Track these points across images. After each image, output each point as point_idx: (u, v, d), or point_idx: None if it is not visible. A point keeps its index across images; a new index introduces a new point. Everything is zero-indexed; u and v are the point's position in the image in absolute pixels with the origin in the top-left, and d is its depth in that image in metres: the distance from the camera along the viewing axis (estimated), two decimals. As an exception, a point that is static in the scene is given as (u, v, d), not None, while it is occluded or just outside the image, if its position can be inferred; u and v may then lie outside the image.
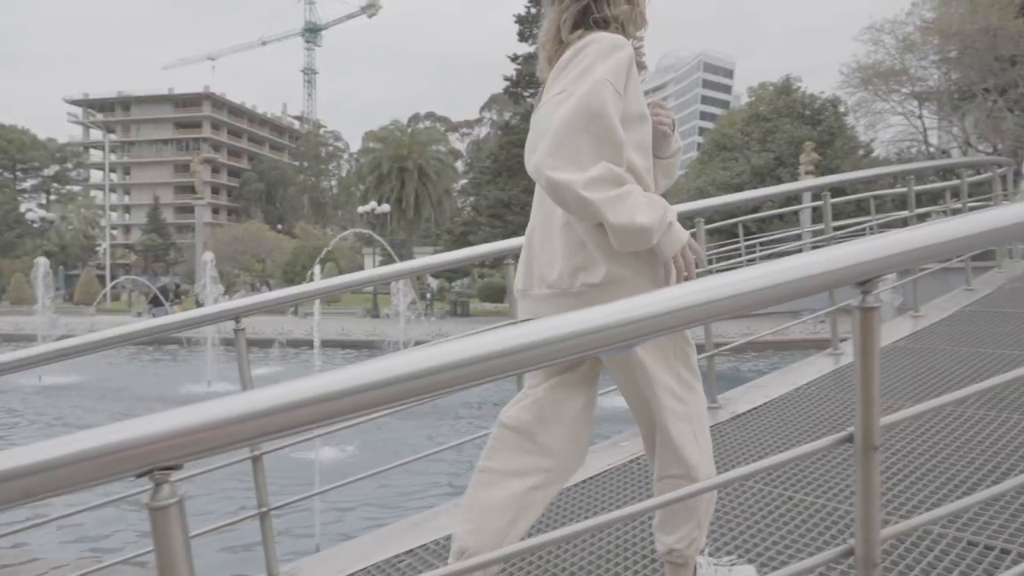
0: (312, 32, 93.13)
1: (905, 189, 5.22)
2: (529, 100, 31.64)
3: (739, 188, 28.24)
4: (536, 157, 1.45)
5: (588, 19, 1.58)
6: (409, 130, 48.65)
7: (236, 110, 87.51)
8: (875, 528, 1.20)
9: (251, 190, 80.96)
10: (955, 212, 6.12)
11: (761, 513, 2.39)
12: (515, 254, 3.07)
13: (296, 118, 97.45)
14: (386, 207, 29.12)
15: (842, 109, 32.05)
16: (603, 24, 1.58)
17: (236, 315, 2.59)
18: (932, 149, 30.24)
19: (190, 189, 52.38)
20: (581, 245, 1.55)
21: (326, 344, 18.25)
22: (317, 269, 8.05)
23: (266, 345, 16.64)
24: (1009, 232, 1.24)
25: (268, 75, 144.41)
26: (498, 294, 34.94)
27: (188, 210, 60.92)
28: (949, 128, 30.00)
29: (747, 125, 34.49)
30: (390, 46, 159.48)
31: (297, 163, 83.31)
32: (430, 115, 75.49)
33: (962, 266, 5.61)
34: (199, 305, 19.16)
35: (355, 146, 71.23)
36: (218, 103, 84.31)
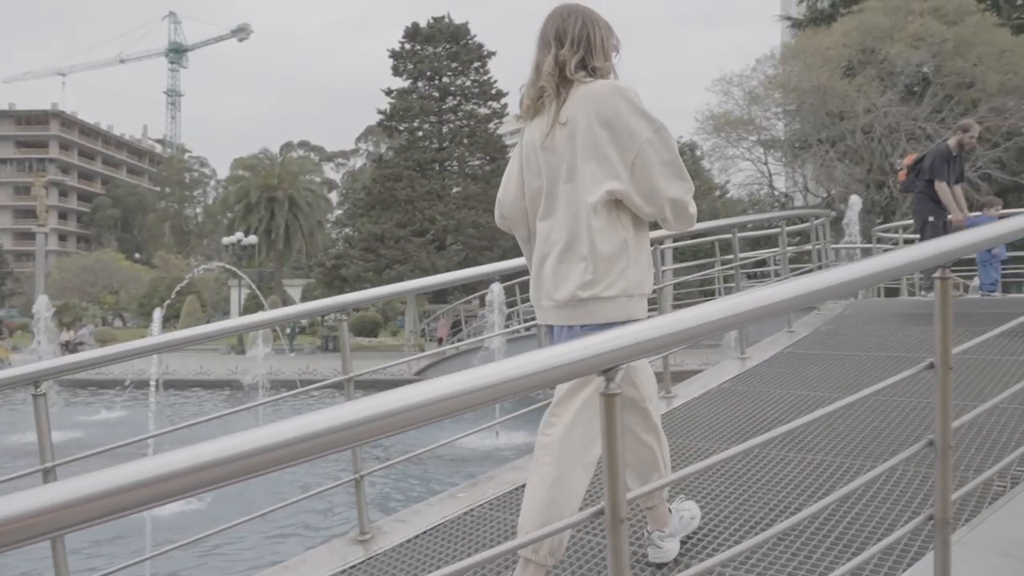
0: (177, 53, 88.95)
1: (752, 233, 5.74)
2: (404, 133, 31.56)
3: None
4: (678, 192, 2.03)
5: (589, 65, 2.05)
6: (280, 159, 47.34)
7: (89, 130, 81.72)
8: (627, 597, 1.30)
9: (105, 216, 75.47)
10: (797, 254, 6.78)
11: (571, 558, 2.49)
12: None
13: (158, 141, 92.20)
14: (253, 239, 27.97)
15: (699, 153, 34.36)
16: (593, 70, 2.05)
17: (35, 379, 2.42)
18: (777, 192, 32.98)
19: (32, 213, 48.10)
20: (581, 271, 2.02)
21: (182, 384, 17.20)
22: (157, 314, 7.53)
23: (113, 386, 15.42)
24: (744, 316, 1.40)
25: (127, 95, 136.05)
26: (371, 328, 34.32)
27: (29, 236, 55.80)
28: (792, 174, 32.88)
29: (614, 165, 36.12)
30: (262, 71, 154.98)
31: (158, 189, 78.53)
32: (304, 144, 73.70)
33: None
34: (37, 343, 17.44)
35: (223, 173, 68.06)
36: (68, 122, 78.43)
